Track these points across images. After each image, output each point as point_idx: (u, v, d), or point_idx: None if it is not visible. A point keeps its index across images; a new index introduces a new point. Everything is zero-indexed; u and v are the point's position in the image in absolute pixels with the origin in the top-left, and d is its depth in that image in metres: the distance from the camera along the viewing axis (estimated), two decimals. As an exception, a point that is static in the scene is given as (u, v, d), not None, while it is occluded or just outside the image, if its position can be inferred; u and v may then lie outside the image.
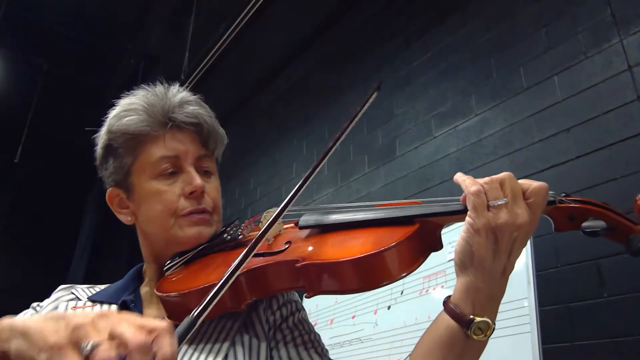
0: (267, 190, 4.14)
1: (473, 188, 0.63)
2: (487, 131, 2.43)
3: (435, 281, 2.08)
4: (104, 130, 0.90)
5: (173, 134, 0.86)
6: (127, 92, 0.92)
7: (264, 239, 0.68)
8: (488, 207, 0.62)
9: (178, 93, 0.89)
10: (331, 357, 0.84)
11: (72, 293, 0.89)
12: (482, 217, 0.62)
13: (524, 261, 1.74)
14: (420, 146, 2.79)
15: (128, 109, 0.88)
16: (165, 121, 0.86)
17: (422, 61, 2.97)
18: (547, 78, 2.24)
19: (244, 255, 0.63)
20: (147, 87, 0.90)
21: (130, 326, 0.46)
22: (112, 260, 6.32)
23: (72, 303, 0.86)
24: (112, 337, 0.45)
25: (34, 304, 0.89)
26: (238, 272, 0.61)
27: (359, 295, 2.49)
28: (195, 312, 0.52)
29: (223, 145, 0.95)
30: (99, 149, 0.91)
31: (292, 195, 0.71)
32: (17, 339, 0.48)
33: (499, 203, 0.62)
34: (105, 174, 0.91)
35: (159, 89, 0.89)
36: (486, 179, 0.64)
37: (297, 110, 4.06)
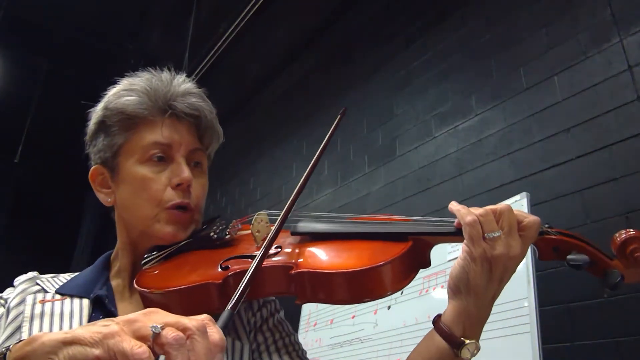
0: (267, 190, 4.14)
1: (468, 218, 0.66)
2: (487, 131, 2.43)
3: (435, 281, 2.08)
4: (100, 106, 0.87)
5: (170, 122, 0.84)
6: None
7: (264, 243, 0.68)
8: (484, 238, 0.65)
9: (184, 83, 0.87)
10: (331, 357, 0.85)
11: (37, 284, 0.85)
12: (478, 247, 0.65)
13: (524, 261, 1.74)
14: (420, 146, 2.79)
15: (129, 88, 0.85)
16: (164, 108, 0.84)
17: (422, 61, 2.97)
18: (547, 78, 2.24)
19: (260, 258, 0.63)
20: (153, 71, 0.87)
21: (182, 317, 0.47)
22: (112, 260, 6.30)
23: (40, 295, 0.81)
24: (169, 325, 0.46)
25: None
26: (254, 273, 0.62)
27: (359, 295, 2.49)
28: (230, 305, 0.53)
29: (218, 143, 0.93)
30: (91, 124, 0.88)
31: (291, 202, 0.72)
32: (66, 348, 0.46)
33: (495, 235, 0.65)
34: (93, 150, 0.88)
35: (165, 75, 0.87)
36: (482, 210, 0.67)
37: (297, 110, 4.06)
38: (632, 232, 0.67)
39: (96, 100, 0.91)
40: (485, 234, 0.65)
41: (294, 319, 2.87)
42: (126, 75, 0.90)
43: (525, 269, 1.71)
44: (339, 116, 0.83)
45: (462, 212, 0.67)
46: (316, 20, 3.95)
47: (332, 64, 3.84)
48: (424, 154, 2.75)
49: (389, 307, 2.27)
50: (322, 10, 3.89)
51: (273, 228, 0.70)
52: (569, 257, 0.68)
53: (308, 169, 0.76)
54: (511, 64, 2.42)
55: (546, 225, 0.70)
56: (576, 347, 1.81)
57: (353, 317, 2.46)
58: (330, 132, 0.78)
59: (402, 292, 2.23)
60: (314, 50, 4.06)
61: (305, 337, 2.72)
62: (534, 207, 1.87)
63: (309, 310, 2.84)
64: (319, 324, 2.69)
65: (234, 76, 4.74)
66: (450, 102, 2.70)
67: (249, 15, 3.81)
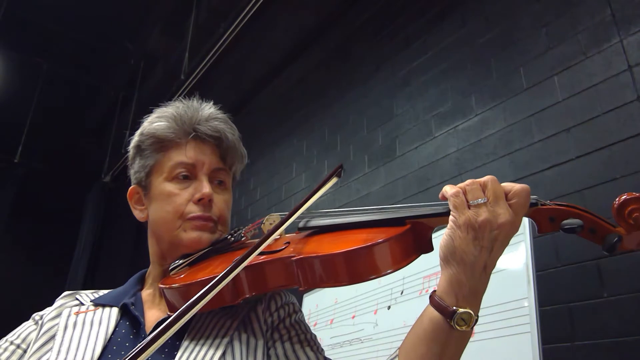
0: (267, 190, 4.14)
1: (451, 191, 0.69)
2: (487, 131, 2.43)
3: (435, 281, 2.08)
4: (137, 132, 0.97)
5: (195, 143, 0.92)
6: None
7: (267, 242, 0.73)
8: (469, 206, 0.67)
9: (209, 109, 0.96)
10: (331, 357, 0.86)
11: (77, 299, 0.92)
12: (462, 214, 0.66)
13: (524, 261, 1.74)
14: (420, 146, 2.79)
15: (160, 115, 0.95)
16: (189, 131, 0.92)
17: (422, 61, 2.97)
18: (547, 78, 2.24)
19: (249, 251, 0.68)
20: (183, 100, 0.97)
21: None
22: (112, 260, 6.32)
23: (76, 308, 0.89)
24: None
25: (35, 315, 0.90)
26: (244, 264, 0.66)
27: (359, 295, 2.49)
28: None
29: (242, 163, 1.02)
30: (130, 148, 0.98)
31: (299, 204, 0.77)
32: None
33: (479, 202, 0.66)
34: (132, 172, 0.98)
35: (194, 103, 0.96)
36: (467, 181, 0.69)
37: (297, 110, 4.06)
38: (633, 194, 0.66)
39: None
40: (470, 202, 0.67)
41: (294, 319, 2.87)
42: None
43: (525, 269, 1.72)
44: (335, 173, 0.85)
45: (447, 188, 0.70)
46: (316, 20, 3.95)
47: (332, 64, 3.85)
48: (424, 154, 2.75)
49: (389, 307, 2.27)
50: (322, 10, 3.89)
51: (276, 224, 0.75)
52: (562, 222, 0.67)
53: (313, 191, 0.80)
54: (511, 64, 2.42)
55: (548, 201, 0.70)
56: (576, 347, 1.81)
57: (353, 317, 2.46)
58: (321, 183, 0.82)
59: (402, 292, 2.23)
60: (314, 50, 4.06)
61: (305, 337, 2.71)
62: (534, 207, 1.87)
63: (309, 310, 2.84)
64: (319, 324, 2.69)
65: (233, 76, 4.74)
66: (450, 102, 2.70)
67: (249, 15, 3.81)
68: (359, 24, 3.65)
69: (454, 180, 2.45)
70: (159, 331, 0.58)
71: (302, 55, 4.17)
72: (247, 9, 3.76)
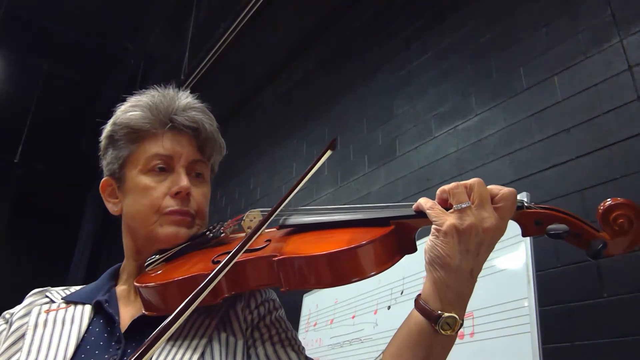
0: (267, 190, 4.14)
1: (427, 205, 0.68)
2: (487, 131, 2.43)
3: (435, 281, 2.08)
4: (110, 121, 0.93)
5: (172, 134, 0.88)
6: (129, 93, 0.94)
7: (253, 239, 0.70)
8: (454, 210, 0.65)
9: (186, 98, 0.92)
10: (331, 357, 0.85)
11: (47, 296, 0.89)
12: (444, 220, 0.65)
13: (524, 261, 1.74)
14: (420, 146, 2.79)
15: (135, 104, 0.91)
16: (166, 121, 0.88)
17: (422, 61, 2.97)
18: (547, 78, 2.24)
19: (237, 249, 0.66)
20: (158, 88, 0.93)
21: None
22: (112, 260, 6.31)
23: (46, 306, 0.85)
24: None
25: (5, 313, 0.87)
26: (232, 263, 0.64)
27: (359, 295, 2.49)
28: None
29: (221, 154, 0.97)
30: (102, 138, 0.94)
31: (281, 200, 0.74)
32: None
33: (463, 206, 0.65)
34: (104, 163, 0.94)
35: (170, 91, 0.92)
36: (453, 184, 0.68)
37: (297, 110, 4.06)
38: (618, 199, 0.64)
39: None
40: (455, 205, 0.65)
41: (294, 319, 2.87)
42: (128, 90, 0.93)
43: (525, 269, 1.71)
44: (328, 149, 0.81)
45: (422, 202, 0.69)
46: (316, 20, 3.96)
47: (332, 64, 3.85)
48: (424, 154, 2.75)
49: (389, 307, 2.27)
50: (322, 10, 3.89)
51: (258, 222, 0.73)
52: (548, 227, 0.66)
53: (298, 181, 0.78)
54: (511, 64, 2.42)
55: (532, 203, 0.69)
56: (576, 347, 1.81)
57: (353, 317, 2.46)
58: (316, 160, 0.79)
59: (402, 292, 2.23)
60: (314, 50, 4.06)
61: (305, 337, 2.72)
62: (534, 207, 1.88)
63: (309, 310, 2.84)
64: (319, 324, 2.69)
65: (233, 76, 4.74)
66: (450, 102, 2.70)
67: (249, 15, 3.81)
68: (359, 24, 3.65)
69: (454, 181, 2.44)
70: (152, 339, 0.53)
71: (302, 55, 4.17)
72: (247, 9, 3.77)
